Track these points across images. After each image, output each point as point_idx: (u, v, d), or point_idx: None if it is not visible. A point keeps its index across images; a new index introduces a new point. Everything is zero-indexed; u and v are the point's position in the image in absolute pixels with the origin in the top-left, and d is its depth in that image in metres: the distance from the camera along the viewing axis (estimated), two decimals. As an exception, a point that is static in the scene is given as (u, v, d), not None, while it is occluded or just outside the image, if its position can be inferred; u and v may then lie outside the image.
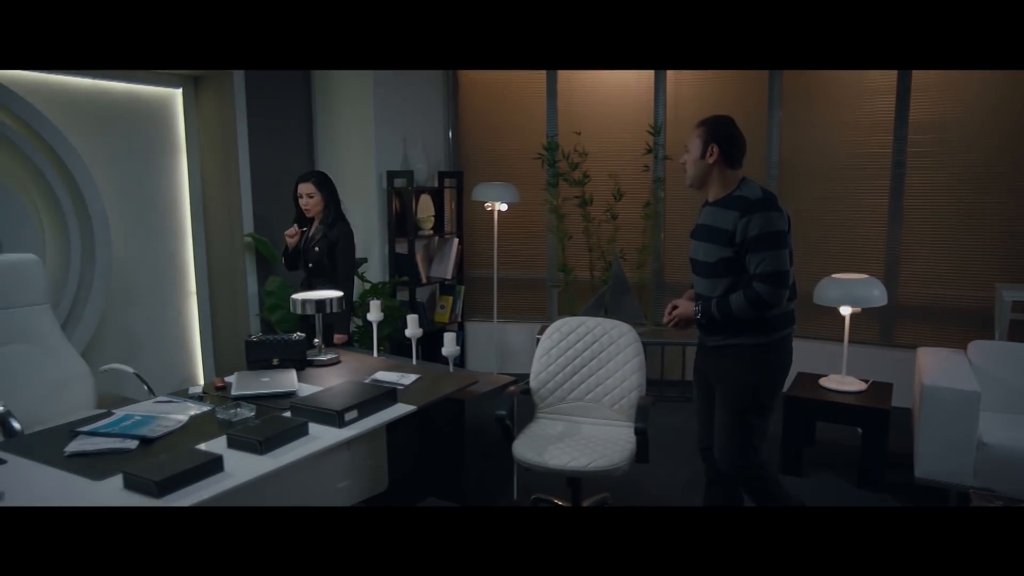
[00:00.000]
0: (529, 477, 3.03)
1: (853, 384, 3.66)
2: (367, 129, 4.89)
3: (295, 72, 4.88)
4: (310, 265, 3.62)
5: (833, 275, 3.68)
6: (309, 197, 3.58)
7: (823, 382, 3.73)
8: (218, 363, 4.68)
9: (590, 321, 3.06)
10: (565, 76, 5.29)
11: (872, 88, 4.62)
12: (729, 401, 2.48)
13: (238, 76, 4.37)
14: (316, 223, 3.65)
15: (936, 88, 4.46)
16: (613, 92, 5.20)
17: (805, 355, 4.73)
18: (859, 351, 4.49)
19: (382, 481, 2.82)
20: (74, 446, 2.00)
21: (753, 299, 2.34)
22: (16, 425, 2.31)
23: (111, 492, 1.75)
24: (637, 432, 2.65)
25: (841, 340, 3.79)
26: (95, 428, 2.13)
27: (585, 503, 3.05)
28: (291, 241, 3.64)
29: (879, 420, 3.38)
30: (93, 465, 1.90)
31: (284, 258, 3.75)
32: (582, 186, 4.92)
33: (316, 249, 3.58)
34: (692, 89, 5.04)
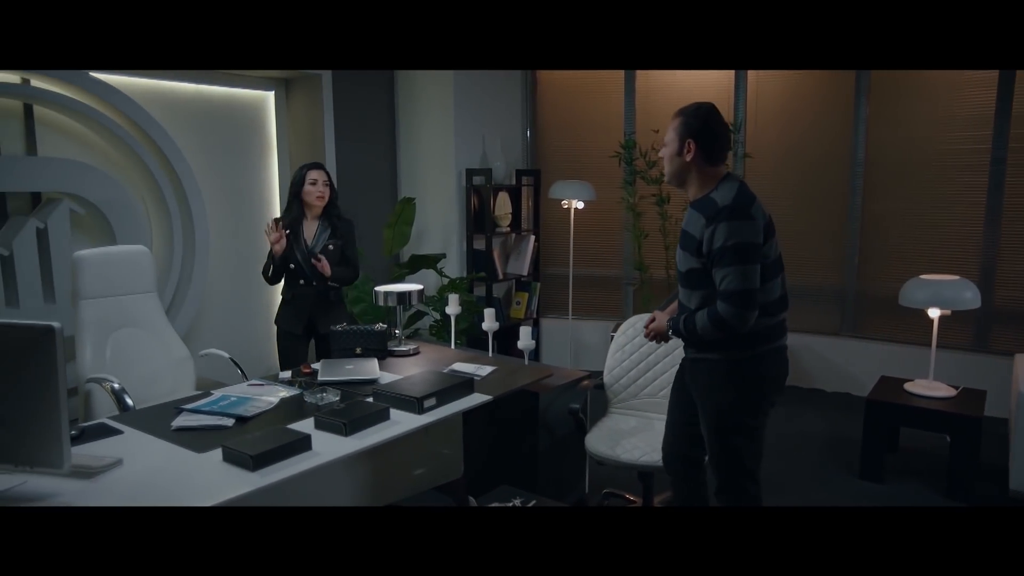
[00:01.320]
0: (601, 471, 3.06)
1: (941, 390, 3.51)
2: (447, 128, 5.02)
3: (379, 74, 5.06)
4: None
5: (921, 276, 3.55)
6: (325, 185, 3.20)
7: (908, 387, 3.60)
8: (304, 352, 4.90)
9: (664, 318, 3.05)
10: (643, 74, 5.27)
11: (969, 81, 4.40)
12: (706, 418, 2.29)
13: (326, 79, 4.57)
14: (316, 221, 3.26)
15: (1041, 80, 4.22)
16: (692, 89, 5.14)
17: (889, 358, 4.62)
18: (949, 356, 4.29)
19: (457, 468, 2.92)
20: (179, 421, 2.19)
21: (715, 320, 2.10)
22: (129, 401, 2.52)
23: (212, 464, 1.91)
24: (710, 429, 2.64)
25: (929, 344, 3.65)
26: (197, 406, 2.31)
27: (657, 499, 3.05)
28: (279, 248, 3.11)
29: (970, 428, 3.23)
30: (196, 439, 2.06)
31: (269, 273, 3.23)
32: (659, 184, 4.89)
33: (331, 248, 3.23)
34: (774, 85, 4.93)
